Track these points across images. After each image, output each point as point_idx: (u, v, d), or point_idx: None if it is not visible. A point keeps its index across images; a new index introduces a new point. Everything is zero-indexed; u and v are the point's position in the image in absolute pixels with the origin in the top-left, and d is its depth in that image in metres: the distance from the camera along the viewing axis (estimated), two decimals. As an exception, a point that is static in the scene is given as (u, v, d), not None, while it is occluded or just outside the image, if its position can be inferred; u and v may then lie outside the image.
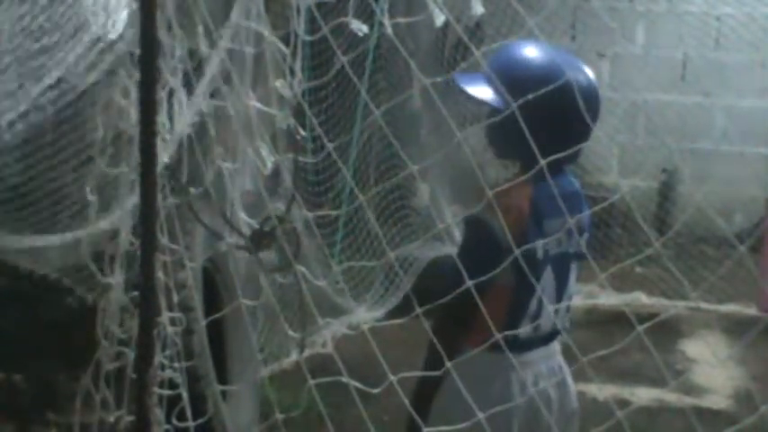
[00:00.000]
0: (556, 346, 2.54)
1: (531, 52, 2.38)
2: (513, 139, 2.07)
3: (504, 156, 2.49)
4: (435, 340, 2.09)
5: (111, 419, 2.35)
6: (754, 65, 7.29)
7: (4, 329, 4.28)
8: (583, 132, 2.31)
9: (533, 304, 2.39)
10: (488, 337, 2.06)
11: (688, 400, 4.88)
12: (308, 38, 2.10)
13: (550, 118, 2.20)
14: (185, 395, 2.33)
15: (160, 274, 2.22)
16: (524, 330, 2.37)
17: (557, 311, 2.43)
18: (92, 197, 2.34)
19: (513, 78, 2.30)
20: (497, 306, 2.23)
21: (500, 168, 6.46)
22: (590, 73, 2.40)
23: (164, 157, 2.20)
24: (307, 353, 4.08)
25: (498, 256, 2.11)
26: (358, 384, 2.00)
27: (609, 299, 6.11)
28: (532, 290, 2.35)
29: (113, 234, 2.36)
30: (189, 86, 2.28)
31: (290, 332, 2.34)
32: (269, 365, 4.39)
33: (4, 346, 4.17)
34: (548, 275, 2.41)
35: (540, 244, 2.33)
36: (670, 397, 4.88)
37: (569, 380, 2.56)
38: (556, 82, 2.04)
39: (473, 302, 1.96)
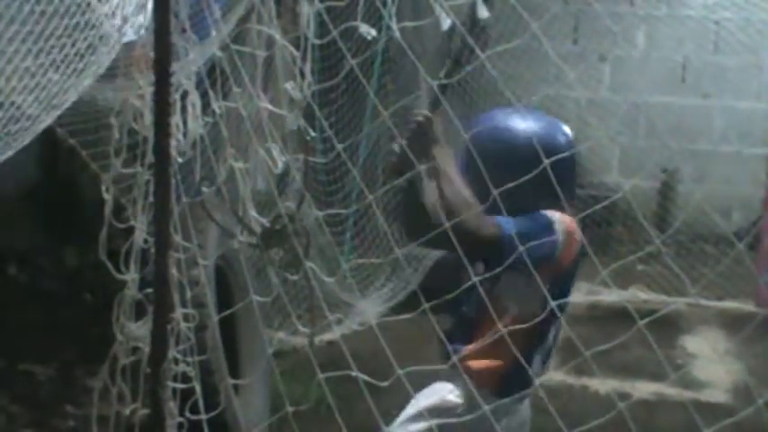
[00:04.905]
0: None
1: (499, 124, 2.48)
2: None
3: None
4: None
5: (127, 412, 2.38)
6: (752, 68, 7.32)
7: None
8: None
9: (551, 336, 2.42)
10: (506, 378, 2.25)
11: (687, 394, 4.92)
12: (317, 41, 2.12)
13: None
14: (198, 388, 2.35)
15: (174, 272, 2.25)
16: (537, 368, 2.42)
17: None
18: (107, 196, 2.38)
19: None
20: (519, 335, 2.16)
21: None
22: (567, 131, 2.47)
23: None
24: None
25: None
26: (367, 378, 2.04)
27: (611, 295, 6.14)
28: (555, 321, 2.37)
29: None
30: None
31: (301, 327, 2.38)
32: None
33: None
34: None
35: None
36: (670, 391, 4.92)
37: None
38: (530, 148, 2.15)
39: None
